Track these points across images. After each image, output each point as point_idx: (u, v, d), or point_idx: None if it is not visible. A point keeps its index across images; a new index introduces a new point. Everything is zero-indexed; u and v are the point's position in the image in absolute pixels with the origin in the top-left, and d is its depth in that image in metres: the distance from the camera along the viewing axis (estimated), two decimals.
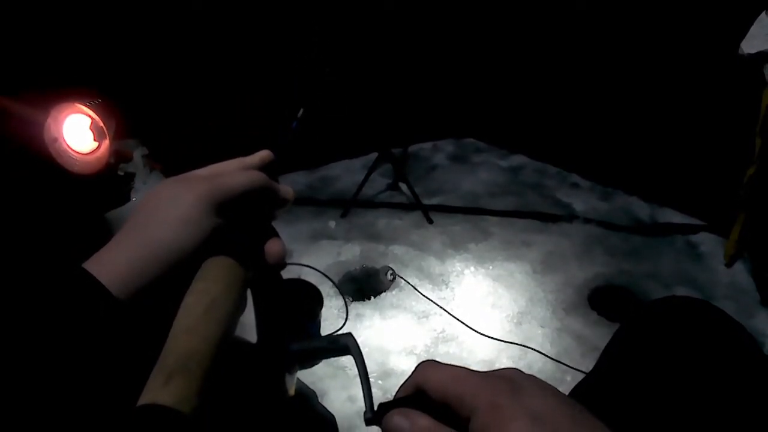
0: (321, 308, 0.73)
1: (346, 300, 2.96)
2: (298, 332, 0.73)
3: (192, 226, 0.61)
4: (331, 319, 2.81)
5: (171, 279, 0.60)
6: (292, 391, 0.72)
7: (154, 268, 0.59)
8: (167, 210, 0.62)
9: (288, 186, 0.72)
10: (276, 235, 0.71)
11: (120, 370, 0.53)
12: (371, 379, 0.66)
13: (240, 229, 0.66)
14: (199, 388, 0.50)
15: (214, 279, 0.60)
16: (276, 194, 0.71)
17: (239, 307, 0.61)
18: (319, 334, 0.71)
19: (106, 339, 0.54)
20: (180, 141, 3.38)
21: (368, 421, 0.63)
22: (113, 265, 0.59)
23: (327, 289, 3.03)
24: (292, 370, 0.72)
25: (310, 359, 0.71)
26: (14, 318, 0.52)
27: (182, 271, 0.60)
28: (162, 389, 0.49)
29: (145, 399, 0.48)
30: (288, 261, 0.74)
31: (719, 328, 1.05)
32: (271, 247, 0.69)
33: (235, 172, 0.68)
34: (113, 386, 0.53)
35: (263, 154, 0.73)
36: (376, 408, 0.64)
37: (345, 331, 0.70)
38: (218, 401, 0.58)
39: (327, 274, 3.19)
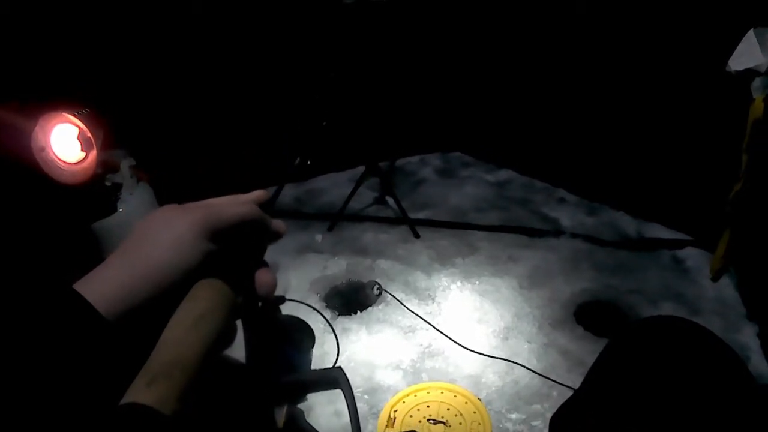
0: (313, 345, 0.74)
1: (336, 335, 2.96)
2: (288, 367, 0.74)
3: (184, 249, 0.62)
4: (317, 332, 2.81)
5: (162, 300, 0.60)
6: (281, 424, 0.72)
7: (145, 288, 0.59)
8: (161, 232, 0.63)
9: (280, 221, 0.74)
10: (266, 266, 0.72)
11: (106, 390, 0.53)
12: (357, 394, 0.65)
13: (232, 256, 0.67)
14: (181, 393, 0.51)
15: (203, 298, 0.60)
16: (268, 227, 0.72)
17: (226, 327, 0.61)
18: (310, 368, 0.73)
19: (93, 359, 0.54)
20: (168, 152, 3.38)
21: None
22: (103, 284, 0.58)
23: (315, 311, 3.03)
24: (281, 403, 0.72)
25: (300, 393, 0.72)
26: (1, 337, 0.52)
27: (173, 292, 0.60)
28: (144, 390, 0.50)
29: (126, 399, 0.49)
30: (286, 297, 0.75)
31: (705, 349, 1.05)
32: (262, 276, 0.70)
33: (231, 204, 0.69)
34: (98, 406, 0.53)
35: (258, 194, 0.74)
36: None
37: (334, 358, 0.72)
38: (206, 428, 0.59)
39: (313, 287, 3.20)
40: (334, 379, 0.69)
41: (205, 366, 0.55)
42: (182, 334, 0.56)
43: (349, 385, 0.68)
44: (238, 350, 0.68)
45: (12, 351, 0.51)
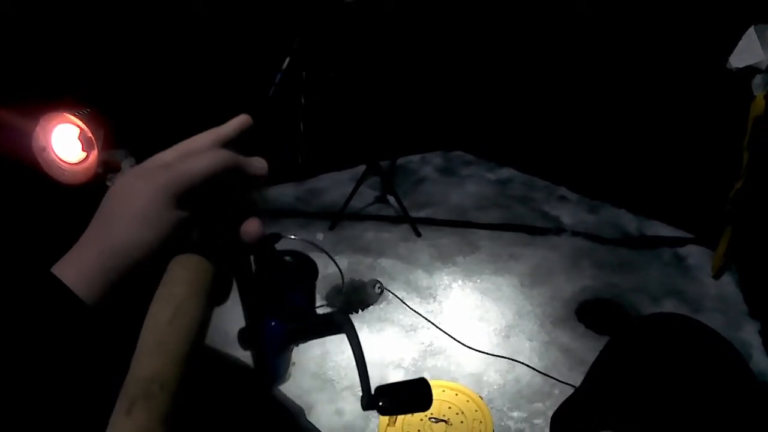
0: (316, 279, 0.71)
1: (340, 268, 2.97)
2: (290, 308, 0.70)
3: (151, 222, 0.58)
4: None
5: (138, 277, 0.57)
6: (287, 372, 0.71)
7: (118, 267, 0.57)
8: (125, 206, 0.59)
9: (261, 159, 0.64)
10: (255, 214, 0.65)
11: (89, 374, 0.52)
12: (357, 393, 0.64)
13: (207, 220, 0.61)
14: (163, 414, 0.48)
15: (178, 282, 0.56)
16: (245, 170, 0.63)
17: (209, 308, 0.57)
18: (314, 308, 0.69)
19: (73, 344, 0.53)
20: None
21: (365, 406, 0.61)
22: (80, 266, 0.57)
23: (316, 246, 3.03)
24: (286, 350, 0.69)
25: (302, 339, 0.69)
26: None
27: (149, 268, 0.57)
28: (124, 420, 0.47)
29: None
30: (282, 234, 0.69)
31: (706, 345, 1.05)
32: (247, 227, 0.63)
33: (198, 155, 0.61)
34: (82, 393, 0.52)
35: (241, 120, 0.67)
36: (373, 392, 0.62)
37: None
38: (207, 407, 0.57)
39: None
40: (338, 324, 0.67)
41: (192, 364, 0.52)
42: (159, 337, 0.52)
43: (354, 329, 0.65)
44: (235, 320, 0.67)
45: None
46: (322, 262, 2.75)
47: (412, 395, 0.62)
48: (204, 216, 0.61)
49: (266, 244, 0.68)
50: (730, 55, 2.69)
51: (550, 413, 1.26)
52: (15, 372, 0.50)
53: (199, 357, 0.54)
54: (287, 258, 0.73)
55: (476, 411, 2.40)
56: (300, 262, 0.75)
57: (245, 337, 0.67)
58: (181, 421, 0.49)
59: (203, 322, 0.56)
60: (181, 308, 0.54)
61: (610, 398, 1.05)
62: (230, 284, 0.64)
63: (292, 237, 0.75)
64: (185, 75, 3.64)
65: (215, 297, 0.59)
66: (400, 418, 2.35)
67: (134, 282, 0.57)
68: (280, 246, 0.71)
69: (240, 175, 0.63)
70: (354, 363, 0.64)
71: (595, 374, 1.15)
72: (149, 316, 0.54)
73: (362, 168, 3.92)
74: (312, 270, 0.76)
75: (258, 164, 0.64)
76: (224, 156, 0.61)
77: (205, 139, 0.65)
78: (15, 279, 0.54)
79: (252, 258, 0.67)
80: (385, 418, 2.35)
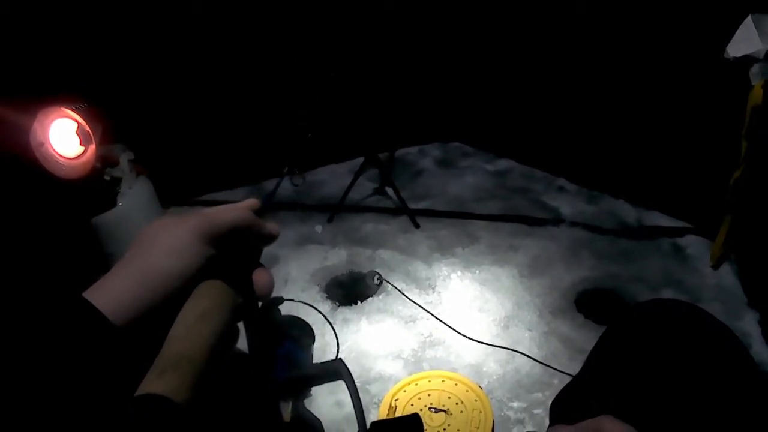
0: (313, 342, 0.75)
1: (335, 330, 2.98)
2: (290, 364, 0.76)
3: (184, 254, 0.66)
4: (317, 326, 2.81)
5: (167, 304, 0.63)
6: (288, 418, 0.74)
7: (150, 294, 0.63)
8: (162, 240, 0.67)
9: (274, 224, 0.77)
10: (263, 267, 0.75)
11: (117, 394, 0.55)
12: (358, 384, 0.67)
13: (230, 259, 0.70)
14: (190, 383, 0.54)
15: (205, 296, 0.65)
16: (261, 230, 0.75)
17: (230, 322, 0.65)
18: (312, 364, 0.78)
19: (105, 364, 0.56)
20: (165, 146, 3.38)
21: None
22: (111, 292, 0.61)
23: (314, 297, 3.04)
24: (285, 399, 0.73)
25: (303, 387, 0.74)
26: (14, 348, 0.53)
27: (178, 296, 0.64)
28: (156, 381, 0.53)
29: (140, 391, 0.52)
30: (284, 297, 0.80)
31: (705, 331, 1.05)
32: (259, 276, 0.73)
33: (226, 210, 0.72)
34: (109, 411, 0.54)
35: (251, 202, 0.77)
36: (368, 427, 0.66)
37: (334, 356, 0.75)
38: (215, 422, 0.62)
39: (314, 278, 3.20)
40: (336, 371, 0.71)
41: (213, 358, 0.59)
42: (188, 330, 0.60)
43: (351, 375, 0.70)
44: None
45: (27, 361, 0.53)
46: (321, 253, 2.77)
47: (404, 427, 0.69)
48: (227, 256, 0.70)
49: (273, 301, 0.79)
50: (727, 45, 2.69)
51: (550, 403, 1.27)
52: (43, 396, 0.52)
53: (223, 358, 0.63)
54: (287, 321, 0.81)
55: (476, 401, 2.41)
56: (299, 328, 0.83)
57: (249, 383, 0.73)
58: (203, 398, 0.56)
59: (224, 329, 0.64)
60: (207, 313, 0.63)
61: (609, 384, 1.06)
62: (237, 333, 0.71)
63: (294, 300, 0.85)
64: (184, 72, 3.64)
65: (235, 318, 0.68)
66: (400, 409, 2.36)
67: (162, 309, 0.63)
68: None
69: (256, 232, 0.75)
70: (353, 367, 0.68)
71: (595, 360, 1.15)
72: (178, 319, 0.62)
73: (360, 160, 3.93)
74: (310, 335, 0.84)
75: (271, 227, 0.77)
76: (248, 214, 0.73)
77: (230, 205, 0.75)
78: (46, 302, 0.58)
79: (260, 305, 0.76)
80: (385, 410, 2.35)
